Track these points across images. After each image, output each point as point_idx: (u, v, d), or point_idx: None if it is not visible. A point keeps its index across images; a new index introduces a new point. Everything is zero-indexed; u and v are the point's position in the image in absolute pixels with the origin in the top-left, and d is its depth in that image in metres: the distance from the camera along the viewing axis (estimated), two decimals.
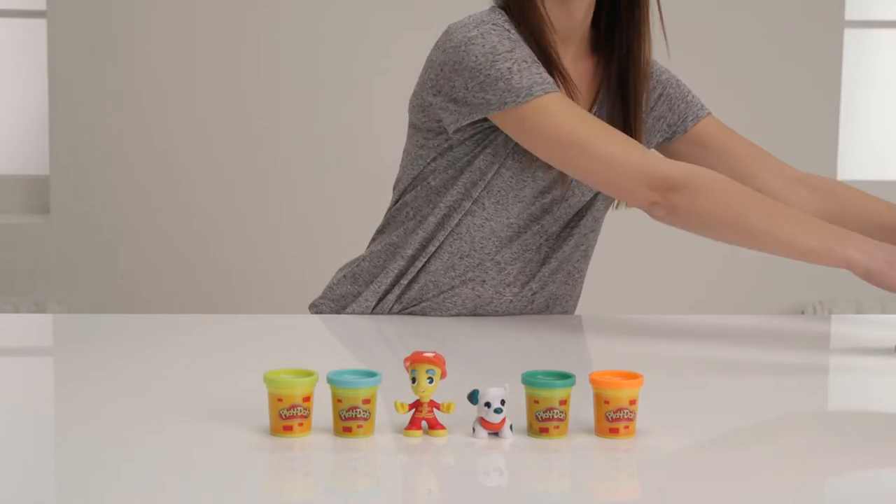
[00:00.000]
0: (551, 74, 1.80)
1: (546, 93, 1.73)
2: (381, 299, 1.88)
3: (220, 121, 3.25)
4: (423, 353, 1.25)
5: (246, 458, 1.17)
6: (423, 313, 1.87)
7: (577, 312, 1.97)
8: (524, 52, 1.76)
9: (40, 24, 3.30)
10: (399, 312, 1.88)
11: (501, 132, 1.79)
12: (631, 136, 1.86)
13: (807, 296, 3.33)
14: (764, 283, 3.34)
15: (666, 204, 1.70)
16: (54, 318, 2.11)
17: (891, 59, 3.49)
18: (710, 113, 1.97)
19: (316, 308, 1.96)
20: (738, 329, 1.93)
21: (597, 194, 1.91)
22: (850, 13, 3.34)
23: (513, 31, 1.78)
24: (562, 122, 1.73)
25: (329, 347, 1.68)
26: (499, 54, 1.74)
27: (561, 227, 1.90)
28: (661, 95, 1.95)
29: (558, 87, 1.79)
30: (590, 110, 1.88)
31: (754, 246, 1.71)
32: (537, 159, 1.79)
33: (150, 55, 3.23)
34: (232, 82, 3.24)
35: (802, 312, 3.30)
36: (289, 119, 3.23)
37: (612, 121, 1.87)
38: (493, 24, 1.78)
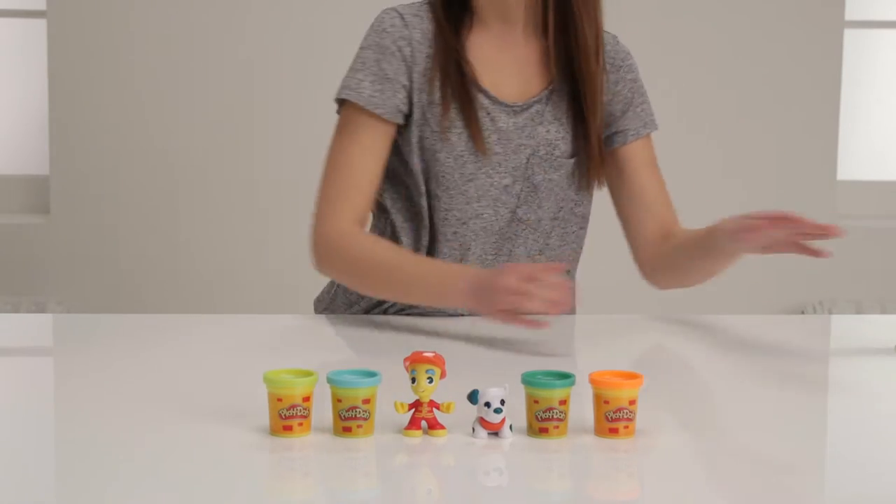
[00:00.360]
0: (450, 60, 1.81)
1: (349, 99, 1.81)
2: (381, 301, 1.88)
3: (220, 120, 3.25)
4: (422, 353, 1.25)
5: (246, 458, 1.17)
6: (423, 314, 1.87)
7: (577, 313, 1.97)
8: (375, 56, 1.82)
9: (40, 24, 3.30)
10: (396, 313, 1.88)
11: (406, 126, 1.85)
12: (584, 119, 1.85)
13: (807, 296, 3.33)
14: (764, 283, 3.34)
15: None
16: (54, 318, 2.11)
17: (891, 59, 3.49)
18: (648, 134, 1.92)
19: (317, 306, 1.97)
20: (738, 329, 1.93)
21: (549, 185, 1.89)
22: (850, 13, 3.34)
23: (407, 29, 1.82)
24: (335, 135, 1.85)
25: (329, 347, 1.68)
26: (363, 46, 1.84)
27: (537, 220, 1.88)
28: (619, 92, 1.90)
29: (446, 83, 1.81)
30: (545, 90, 1.86)
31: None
32: (446, 141, 1.83)
33: (150, 55, 3.23)
34: (232, 82, 3.24)
35: (802, 312, 3.30)
36: (289, 118, 3.23)
37: (567, 103, 1.86)
38: (394, 14, 1.84)
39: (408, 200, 1.88)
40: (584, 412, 1.25)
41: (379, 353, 1.67)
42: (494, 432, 1.22)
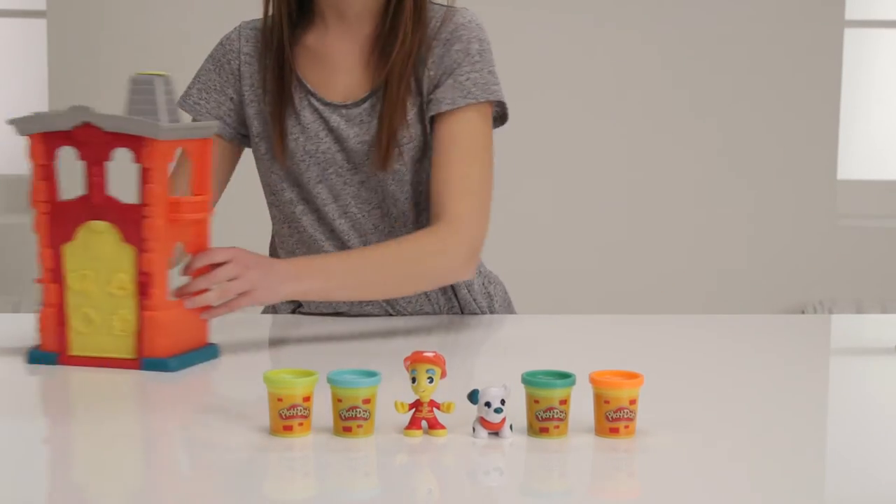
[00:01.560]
0: (272, 59, 1.83)
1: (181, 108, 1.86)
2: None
3: None
4: (423, 352, 1.25)
5: (246, 458, 1.17)
6: (423, 314, 1.87)
7: (578, 312, 1.97)
8: (208, 65, 1.89)
9: (40, 24, 3.30)
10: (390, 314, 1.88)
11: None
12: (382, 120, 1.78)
13: (807, 296, 3.33)
14: (764, 283, 3.34)
15: None
16: None
17: (891, 59, 3.49)
18: (471, 105, 1.76)
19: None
20: (738, 329, 1.93)
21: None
22: (850, 13, 3.34)
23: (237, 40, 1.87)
24: None
25: (329, 347, 1.68)
26: (206, 59, 1.91)
27: (374, 204, 1.84)
28: (442, 60, 1.78)
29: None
30: (376, 86, 1.80)
31: None
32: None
33: (150, 55, 3.23)
34: None
35: (802, 312, 3.30)
36: None
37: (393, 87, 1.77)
38: (236, 29, 1.89)
39: (287, 212, 1.89)
40: (584, 412, 1.25)
41: (379, 353, 1.67)
42: (495, 432, 1.22)
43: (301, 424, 1.21)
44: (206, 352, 1.54)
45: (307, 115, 1.82)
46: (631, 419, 1.23)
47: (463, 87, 1.76)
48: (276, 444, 1.20)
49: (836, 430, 1.35)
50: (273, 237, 1.98)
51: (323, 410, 1.23)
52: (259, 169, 1.91)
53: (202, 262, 1.54)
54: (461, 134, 1.76)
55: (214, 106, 1.87)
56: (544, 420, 1.22)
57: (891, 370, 1.62)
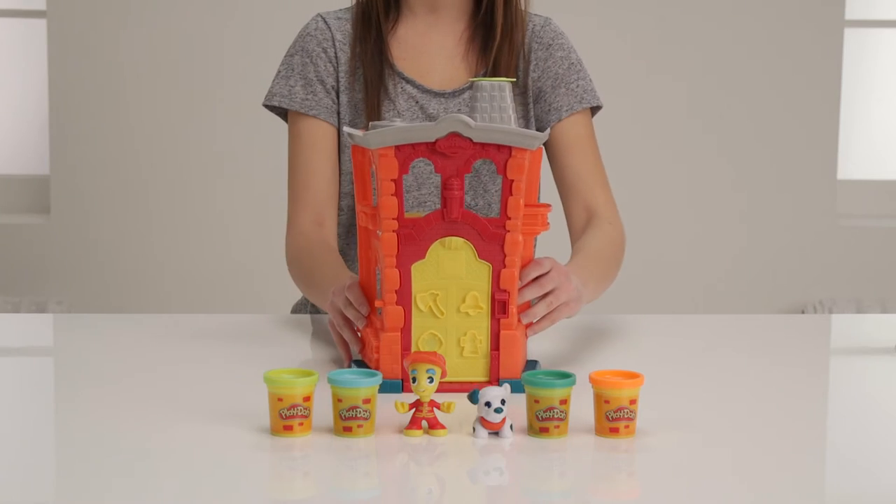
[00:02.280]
0: (368, 48, 1.84)
1: (285, 108, 1.85)
2: None
3: (220, 120, 3.25)
4: (422, 352, 1.25)
5: (246, 458, 1.17)
6: None
7: (578, 312, 1.97)
8: (302, 60, 1.86)
9: (40, 24, 3.30)
10: None
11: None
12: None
13: (807, 296, 3.33)
14: (764, 283, 3.34)
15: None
16: (54, 318, 2.11)
17: (891, 59, 3.49)
18: (587, 109, 1.90)
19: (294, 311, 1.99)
20: (738, 329, 1.93)
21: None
22: (850, 13, 3.34)
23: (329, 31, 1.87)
24: (288, 143, 1.89)
25: (329, 347, 1.68)
26: (290, 54, 1.89)
27: (486, 205, 1.88)
28: (548, 69, 1.89)
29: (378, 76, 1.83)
30: (475, 76, 1.85)
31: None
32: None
33: (151, 55, 3.23)
34: (232, 82, 3.24)
35: (802, 312, 3.30)
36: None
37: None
38: (318, 18, 1.89)
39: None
40: (584, 412, 1.25)
41: None
42: (495, 432, 1.22)
43: (301, 424, 1.22)
44: (529, 365, 1.47)
45: (402, 103, 1.85)
46: (631, 419, 1.23)
47: (576, 94, 1.89)
48: (276, 444, 1.20)
49: (836, 430, 1.35)
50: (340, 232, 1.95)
51: (323, 410, 1.23)
52: (343, 158, 1.89)
53: (533, 273, 1.47)
54: (585, 134, 1.90)
55: (322, 97, 1.86)
56: (544, 420, 1.22)
57: (891, 370, 1.62)
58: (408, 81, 1.86)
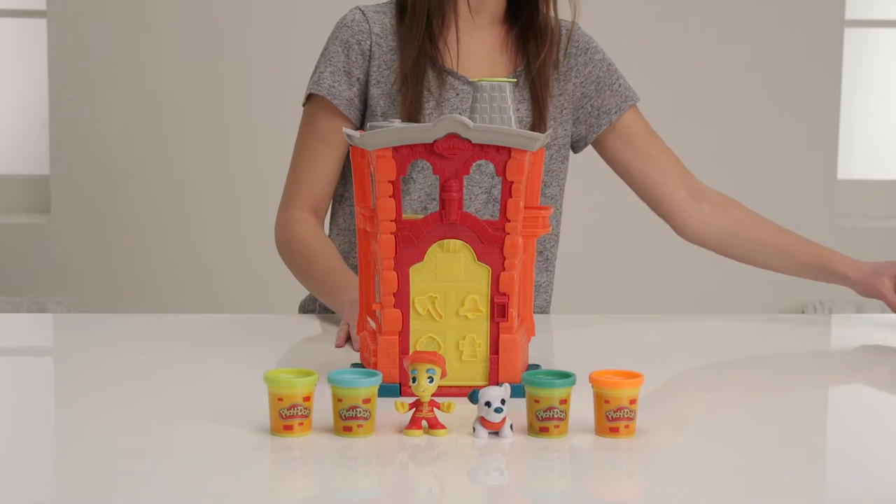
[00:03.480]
0: (422, 50, 1.86)
1: (314, 93, 1.88)
2: None
3: (220, 120, 3.25)
4: (423, 352, 1.25)
5: (246, 458, 1.17)
6: None
7: (578, 312, 1.97)
8: (335, 49, 1.89)
9: (40, 24, 3.30)
10: None
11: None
12: (535, 102, 1.90)
13: (807, 296, 3.33)
14: (764, 283, 3.34)
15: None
16: (54, 318, 2.11)
17: (891, 59, 3.49)
18: (634, 105, 2.00)
19: (301, 309, 1.98)
20: (738, 329, 1.93)
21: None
22: (850, 13, 3.34)
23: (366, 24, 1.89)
24: (299, 128, 1.94)
25: (329, 347, 1.68)
26: (328, 40, 1.91)
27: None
28: (590, 73, 1.98)
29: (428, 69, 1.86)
30: (512, 73, 1.92)
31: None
32: None
33: (150, 55, 3.23)
34: (232, 82, 3.24)
35: (802, 312, 3.30)
36: (289, 118, 3.23)
37: (531, 86, 1.91)
38: (357, 10, 1.91)
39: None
40: (584, 412, 1.25)
41: None
42: (495, 432, 1.22)
43: (301, 424, 1.22)
44: (532, 369, 1.46)
45: (442, 93, 1.87)
46: (631, 419, 1.23)
47: (620, 94, 1.99)
48: (276, 444, 1.20)
49: (836, 430, 1.35)
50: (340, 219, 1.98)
51: (323, 410, 1.23)
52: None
53: None
54: (644, 126, 2.02)
55: (346, 88, 1.89)
56: (544, 420, 1.22)
57: (891, 370, 1.62)
58: (451, 74, 1.89)
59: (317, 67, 1.91)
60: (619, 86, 1.99)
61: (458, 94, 1.88)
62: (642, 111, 2.03)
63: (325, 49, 1.91)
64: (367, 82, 1.89)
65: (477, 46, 1.92)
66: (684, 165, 2.02)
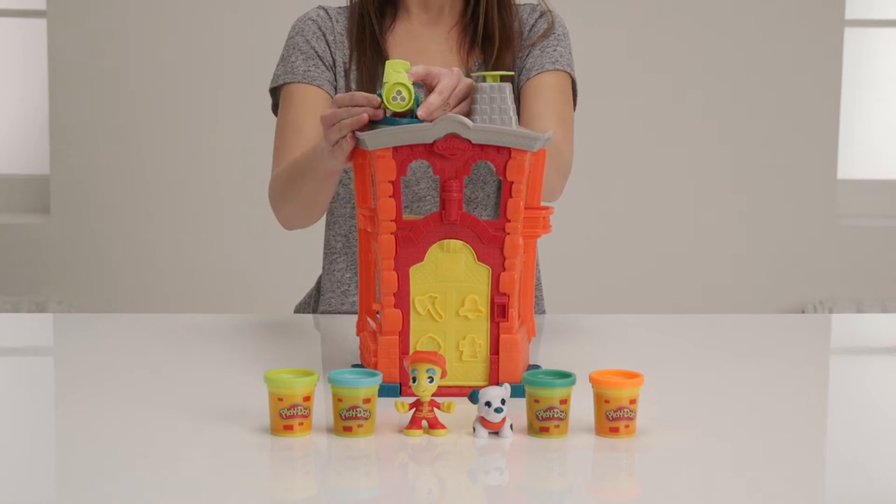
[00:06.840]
0: (366, 47, 1.85)
1: (286, 83, 1.85)
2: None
3: (220, 120, 3.25)
4: (423, 352, 1.25)
5: (246, 458, 1.17)
6: None
7: (578, 312, 1.97)
8: (304, 38, 1.87)
9: (40, 24, 3.30)
10: None
11: None
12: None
13: (807, 296, 3.33)
14: (764, 283, 3.34)
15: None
16: (54, 318, 2.11)
17: (891, 59, 3.49)
18: (557, 72, 1.87)
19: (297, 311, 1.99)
20: (738, 329, 1.93)
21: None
22: (850, 13, 3.34)
23: (324, 18, 1.89)
24: (278, 115, 1.89)
25: (329, 347, 1.68)
26: (290, 36, 1.90)
27: (486, 196, 1.89)
28: (531, 36, 1.90)
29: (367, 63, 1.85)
30: (482, 67, 1.89)
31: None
32: None
33: (150, 55, 3.23)
34: (232, 82, 3.24)
35: (802, 312, 3.30)
36: None
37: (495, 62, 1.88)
38: (319, 8, 1.91)
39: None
40: (584, 412, 1.25)
41: None
42: (495, 432, 1.22)
43: (301, 424, 1.22)
44: (532, 369, 1.45)
45: None
46: (631, 419, 1.23)
47: (551, 56, 1.88)
48: (276, 444, 1.20)
49: (836, 430, 1.35)
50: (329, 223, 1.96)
51: (323, 410, 1.23)
52: None
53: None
54: (553, 84, 1.86)
55: (323, 70, 1.87)
56: (544, 420, 1.22)
57: (891, 370, 1.62)
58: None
59: (284, 60, 1.88)
60: (555, 51, 1.89)
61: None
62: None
63: (289, 42, 1.89)
64: (337, 67, 1.88)
65: (432, 45, 1.90)
66: (563, 125, 1.86)
